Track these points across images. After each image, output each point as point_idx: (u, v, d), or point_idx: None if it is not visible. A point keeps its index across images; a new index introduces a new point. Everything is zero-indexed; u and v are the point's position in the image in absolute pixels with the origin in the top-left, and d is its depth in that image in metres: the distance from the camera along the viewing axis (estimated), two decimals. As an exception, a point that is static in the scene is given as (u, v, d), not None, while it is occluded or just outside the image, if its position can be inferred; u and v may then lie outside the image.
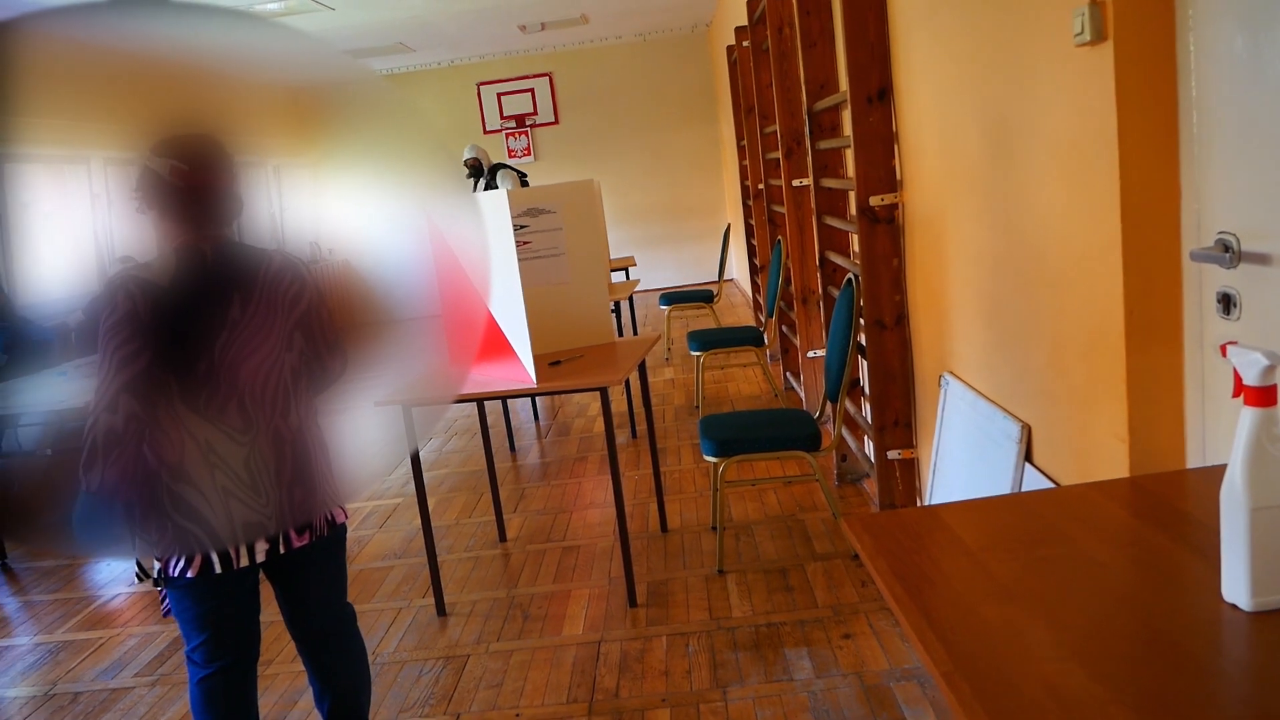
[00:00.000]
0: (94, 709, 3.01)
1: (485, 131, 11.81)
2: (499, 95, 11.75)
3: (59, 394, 4.41)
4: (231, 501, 2.06)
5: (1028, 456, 2.22)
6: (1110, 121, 1.65)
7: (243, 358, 2.06)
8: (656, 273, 11.24)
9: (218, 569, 2.07)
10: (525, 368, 3.14)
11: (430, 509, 3.38)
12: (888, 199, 3.17)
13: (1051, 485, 2.07)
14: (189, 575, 2.06)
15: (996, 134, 2.27)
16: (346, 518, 2.32)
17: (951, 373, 2.81)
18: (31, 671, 3.33)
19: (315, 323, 2.20)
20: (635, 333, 6.87)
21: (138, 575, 2.13)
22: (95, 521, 2.09)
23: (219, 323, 2.03)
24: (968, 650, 1.13)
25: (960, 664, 1.09)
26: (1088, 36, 1.66)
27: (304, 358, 2.19)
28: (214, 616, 2.14)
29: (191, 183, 2.00)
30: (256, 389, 2.08)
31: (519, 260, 3.08)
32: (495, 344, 3.32)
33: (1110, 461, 1.81)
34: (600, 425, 5.70)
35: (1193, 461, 1.73)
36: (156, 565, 2.09)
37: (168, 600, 2.15)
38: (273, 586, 2.29)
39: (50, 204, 7.14)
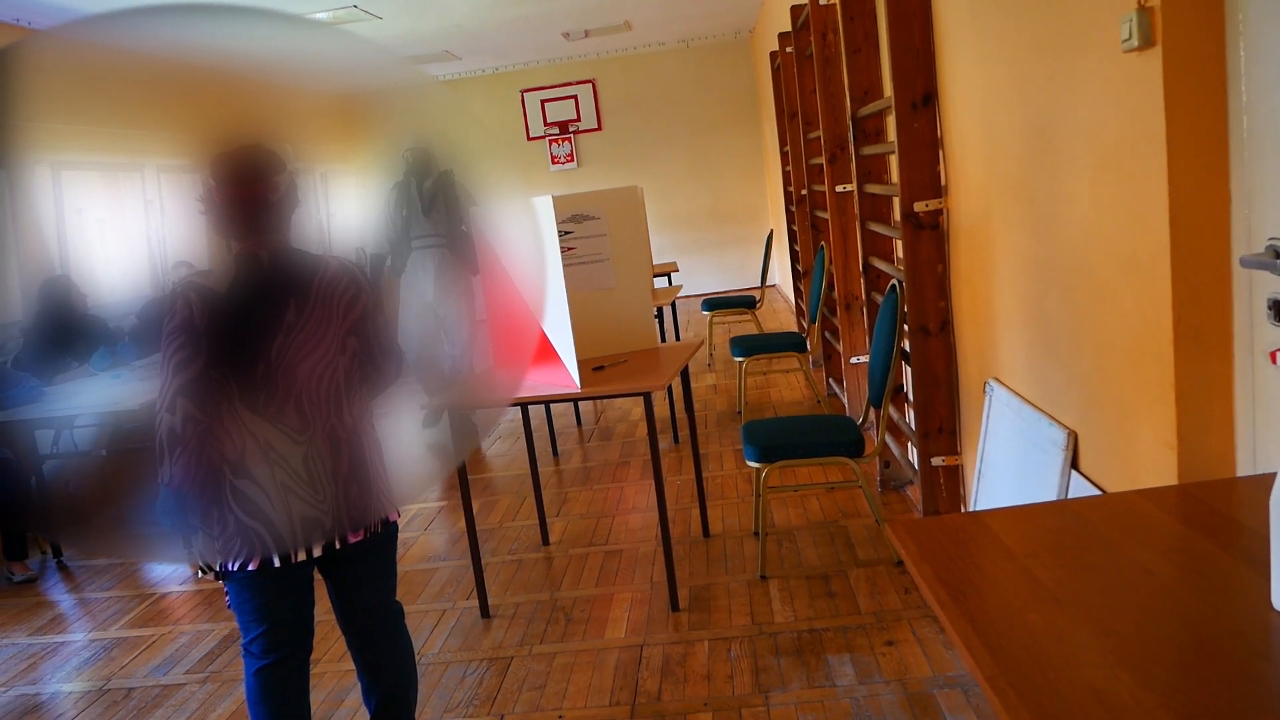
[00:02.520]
0: (146, 705, 3.09)
1: (529, 138, 11.90)
2: (543, 102, 11.83)
3: (114, 395, 4.53)
4: (291, 498, 2.14)
5: (1074, 464, 2.20)
6: (1159, 127, 1.64)
7: (299, 360, 2.13)
8: (699, 278, 11.25)
9: (276, 563, 2.15)
10: (569, 372, 3.17)
11: (474, 512, 3.42)
12: (932, 205, 3.16)
13: (1098, 493, 2.05)
14: (250, 569, 2.14)
15: (1043, 140, 2.26)
16: (399, 516, 2.38)
17: (996, 379, 2.79)
18: (86, 667, 3.42)
19: (370, 327, 2.26)
20: (678, 338, 6.89)
21: (201, 569, 2.21)
22: (174, 512, 2.21)
23: (275, 326, 2.11)
24: (1013, 655, 1.13)
25: (1005, 669, 1.10)
26: (1136, 42, 1.66)
27: (358, 360, 2.25)
28: (272, 609, 2.22)
29: (232, 197, 2.09)
30: (312, 390, 2.15)
31: (564, 266, 3.11)
32: (539, 348, 3.35)
33: (1158, 469, 1.79)
34: (642, 430, 5.72)
35: (1243, 469, 1.71)
36: (218, 560, 2.17)
37: (230, 595, 2.23)
38: (325, 581, 2.36)
39: (105, 210, 7.31)
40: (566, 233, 3.56)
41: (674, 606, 3.25)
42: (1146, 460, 1.86)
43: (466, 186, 5.93)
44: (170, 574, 4.27)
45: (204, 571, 2.21)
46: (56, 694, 3.24)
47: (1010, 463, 2.60)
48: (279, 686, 2.26)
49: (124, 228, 7.45)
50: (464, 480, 3.37)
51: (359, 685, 2.47)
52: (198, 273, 2.10)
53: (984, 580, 1.38)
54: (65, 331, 5.27)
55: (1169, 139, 1.62)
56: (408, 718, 2.45)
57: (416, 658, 3.15)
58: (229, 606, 2.26)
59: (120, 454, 4.62)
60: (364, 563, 2.33)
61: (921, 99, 3.15)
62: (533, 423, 4.30)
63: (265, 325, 2.10)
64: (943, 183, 3.15)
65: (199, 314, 2.02)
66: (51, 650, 3.61)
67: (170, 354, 2.01)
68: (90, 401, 4.55)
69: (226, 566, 2.15)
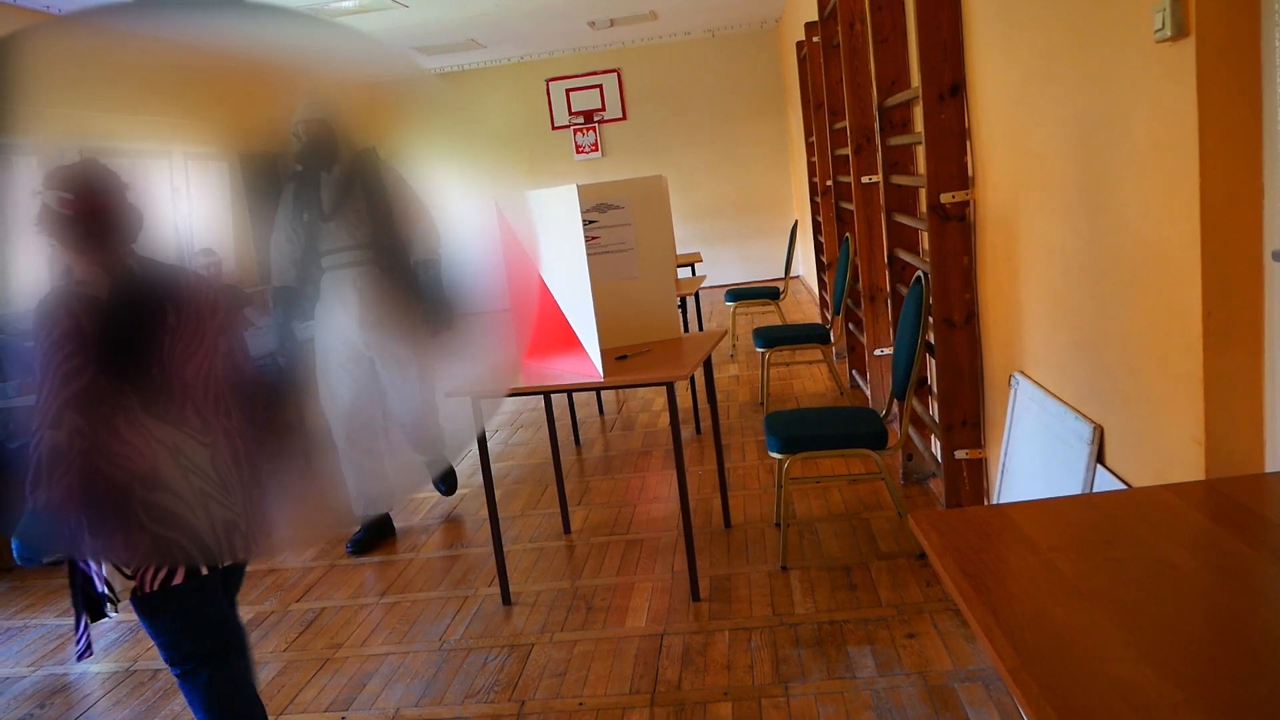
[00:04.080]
0: (171, 686, 3.13)
1: (553, 127, 11.90)
2: (568, 91, 11.83)
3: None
4: (210, 503, 2.12)
5: (1099, 458, 2.19)
6: (1191, 119, 1.62)
7: (186, 361, 2.14)
8: (722, 268, 11.23)
9: (204, 571, 2.13)
10: (592, 362, 3.17)
11: (496, 500, 3.44)
12: (959, 196, 3.14)
13: (1123, 487, 2.04)
14: (174, 583, 2.10)
15: (1072, 131, 2.23)
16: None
17: (1022, 372, 2.77)
18: (113, 649, 3.47)
19: (235, 327, 2.31)
20: (701, 328, 6.88)
21: (109, 599, 2.11)
22: (35, 537, 2.07)
23: (161, 329, 2.10)
24: (1036, 648, 1.13)
25: (1028, 661, 1.10)
26: (1169, 32, 1.64)
27: (230, 361, 2.27)
28: (204, 616, 2.21)
29: (81, 210, 2.06)
30: (201, 392, 2.16)
31: (588, 255, 3.11)
32: (562, 338, 3.36)
33: (1185, 464, 1.78)
34: (663, 420, 5.73)
35: (1271, 465, 1.69)
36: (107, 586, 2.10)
37: (84, 642, 2.15)
38: None
39: (133, 197, 7.38)
40: (591, 222, 3.56)
41: (695, 596, 3.26)
42: (1173, 455, 1.84)
43: (400, 173, 4.09)
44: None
45: (114, 603, 2.12)
46: (84, 674, 3.29)
47: (1035, 457, 2.58)
48: (235, 686, 2.25)
49: (151, 214, 7.53)
50: (486, 468, 3.39)
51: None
52: (72, 282, 2.04)
53: (1007, 573, 1.38)
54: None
55: (1201, 131, 1.60)
56: None
57: (437, 644, 3.18)
58: (148, 628, 2.19)
59: (243, 424, 4.67)
60: (239, 574, 2.38)
61: (949, 89, 3.12)
62: (555, 411, 4.31)
63: (153, 328, 2.09)
64: (970, 174, 3.13)
65: (86, 321, 1.96)
66: (80, 631, 3.66)
67: (56, 365, 1.93)
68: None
69: (142, 587, 2.09)
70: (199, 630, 2.20)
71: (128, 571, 2.10)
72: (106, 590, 2.11)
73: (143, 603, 2.13)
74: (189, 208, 7.62)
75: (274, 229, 4.02)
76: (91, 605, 2.15)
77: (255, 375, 2.39)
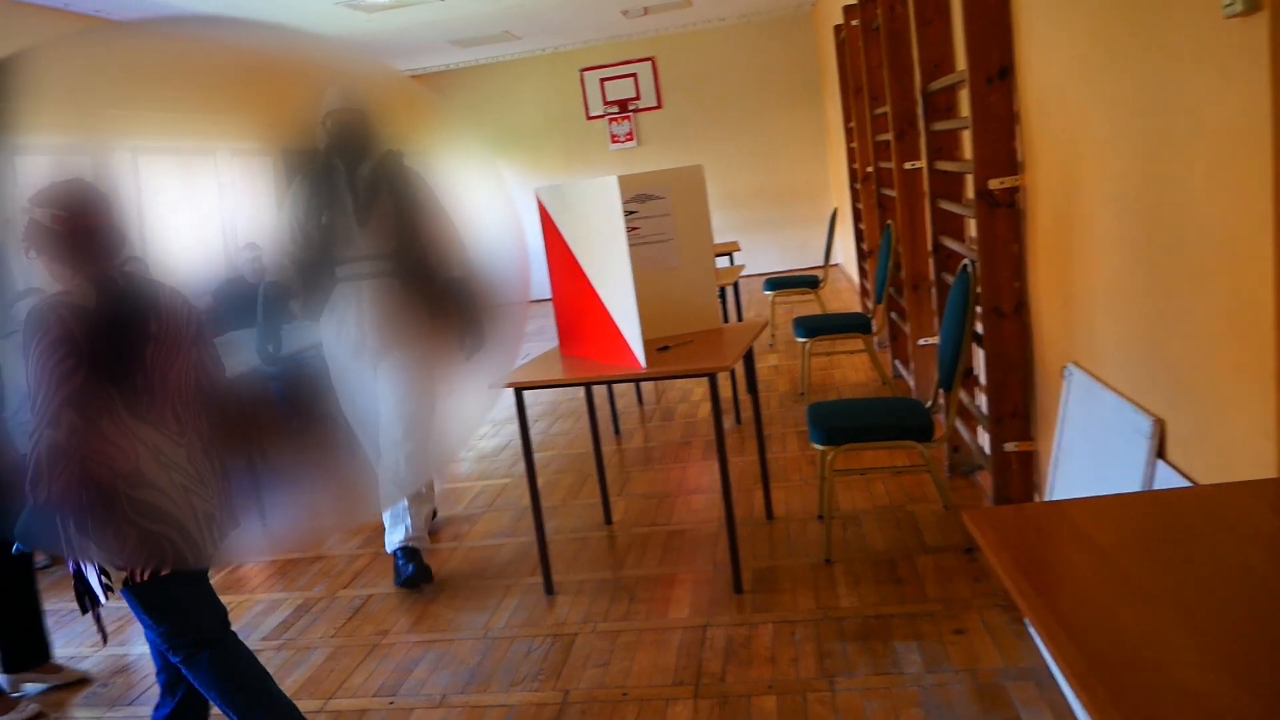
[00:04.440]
0: (221, 673, 3.16)
1: (588, 117, 11.87)
2: (602, 81, 11.78)
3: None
4: (192, 497, 2.27)
5: (1160, 453, 2.13)
6: (1264, 99, 1.55)
7: (168, 368, 2.28)
8: (760, 257, 11.14)
9: (191, 561, 2.25)
10: (634, 352, 3.15)
11: (538, 489, 3.43)
12: (1008, 182, 3.06)
13: (1187, 484, 1.98)
14: (164, 572, 2.23)
15: (1131, 113, 2.17)
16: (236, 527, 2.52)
17: (1076, 363, 2.71)
18: (164, 636, 3.51)
19: (207, 337, 2.46)
20: (740, 318, 6.83)
21: (105, 587, 2.23)
22: (37, 533, 2.22)
23: (145, 337, 2.24)
24: (1101, 652, 1.08)
25: (1094, 666, 1.05)
26: (1239, 7, 1.57)
27: (202, 369, 2.41)
28: (200, 599, 2.37)
29: (73, 227, 2.18)
30: (181, 396, 2.31)
31: (628, 246, 3.08)
32: (602, 328, 3.33)
33: (1254, 460, 1.72)
34: (703, 410, 5.69)
35: (1346, 461, 1.63)
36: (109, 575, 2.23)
37: (146, 606, 2.28)
38: None
39: (180, 193, 7.47)
40: (631, 212, 3.53)
41: (737, 588, 3.23)
42: (1242, 451, 1.78)
43: (426, 179, 3.75)
44: (245, 546, 4.36)
45: (110, 591, 2.23)
46: (143, 655, 3.33)
47: (1090, 450, 2.52)
48: (238, 659, 2.38)
49: (197, 210, 7.61)
50: (529, 457, 3.38)
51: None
52: (59, 292, 2.18)
53: (1068, 573, 1.34)
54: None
55: (1275, 111, 1.53)
56: None
57: (482, 632, 3.19)
58: (143, 618, 2.31)
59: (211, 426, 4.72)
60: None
61: (998, 72, 3.05)
62: (595, 401, 4.30)
63: (137, 336, 2.23)
64: (1019, 159, 3.05)
65: (76, 327, 2.10)
66: (129, 619, 3.71)
67: (52, 366, 2.06)
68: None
69: (134, 578, 2.21)
70: (193, 614, 2.34)
71: (119, 563, 2.21)
72: (103, 579, 2.23)
73: (136, 593, 2.25)
74: (234, 202, 7.68)
75: (279, 224, 3.71)
76: (82, 597, 2.28)
77: (225, 382, 2.54)
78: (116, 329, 2.18)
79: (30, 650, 3.18)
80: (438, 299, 3.71)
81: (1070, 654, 1.08)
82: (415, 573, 3.59)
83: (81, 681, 3.23)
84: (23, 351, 2.09)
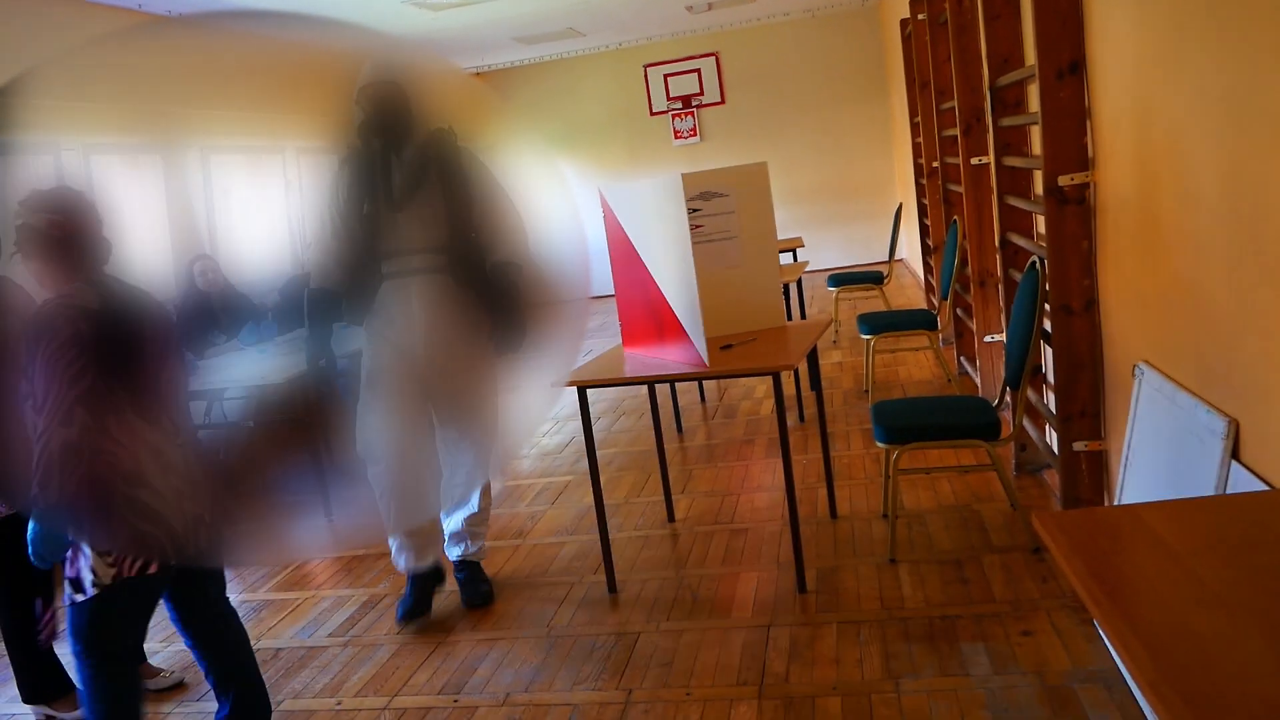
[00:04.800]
0: (293, 664, 3.24)
1: (651, 113, 11.89)
2: (665, 76, 11.79)
3: (260, 369, 4.75)
4: (184, 500, 2.32)
5: (1234, 454, 2.08)
6: (1345, 95, 1.51)
7: (162, 369, 2.35)
8: (824, 252, 11.05)
9: (173, 561, 2.31)
10: (698, 350, 3.16)
11: (601, 487, 3.45)
12: (1078, 178, 3.01)
13: (1264, 487, 1.93)
14: (150, 571, 2.29)
15: (1210, 109, 2.12)
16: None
17: (1147, 362, 2.65)
18: (239, 626, 3.61)
19: (181, 343, 2.57)
20: (803, 314, 6.79)
21: (95, 585, 2.27)
22: (50, 538, 2.26)
23: (144, 339, 2.31)
24: (1176, 660, 1.07)
25: (1167, 674, 1.04)
26: (1320, 3, 1.53)
27: (183, 373, 2.52)
28: (147, 611, 2.43)
29: (68, 231, 2.24)
30: (173, 397, 2.38)
31: (692, 244, 3.10)
32: (665, 326, 3.35)
33: (1335, 463, 1.67)
34: (766, 407, 5.68)
35: None
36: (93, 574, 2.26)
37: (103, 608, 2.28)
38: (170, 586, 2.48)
39: (249, 191, 7.66)
40: (695, 210, 3.54)
41: (801, 588, 3.22)
42: (1321, 453, 1.73)
43: (482, 161, 3.32)
44: (310, 542, 4.47)
45: (95, 588, 2.25)
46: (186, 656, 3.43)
47: (1162, 451, 2.47)
48: (138, 689, 2.49)
49: (266, 208, 7.80)
50: (592, 455, 3.41)
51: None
52: (64, 295, 2.22)
53: (1141, 579, 1.32)
54: (214, 307, 5.55)
55: (1357, 108, 1.49)
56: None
57: (545, 630, 3.22)
58: (81, 614, 2.29)
59: (266, 425, 4.85)
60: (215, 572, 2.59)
61: (1068, 66, 3.00)
62: (658, 399, 4.32)
63: (138, 338, 2.29)
64: (1090, 155, 3.00)
65: (84, 328, 2.15)
66: (207, 609, 3.83)
67: (62, 368, 2.11)
68: (238, 375, 4.78)
69: (119, 574, 2.25)
70: (127, 627, 2.40)
71: (109, 561, 2.26)
72: (93, 575, 2.25)
73: (113, 589, 2.29)
74: (301, 200, 7.83)
75: (319, 220, 3.31)
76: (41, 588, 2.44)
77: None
78: (121, 331, 2.24)
79: (52, 680, 3.10)
80: (485, 287, 3.30)
81: (1144, 661, 1.07)
82: (477, 595, 3.48)
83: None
84: (28, 353, 2.12)
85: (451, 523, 3.53)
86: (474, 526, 3.53)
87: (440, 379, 3.33)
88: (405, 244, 3.22)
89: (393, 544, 3.49)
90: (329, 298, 3.30)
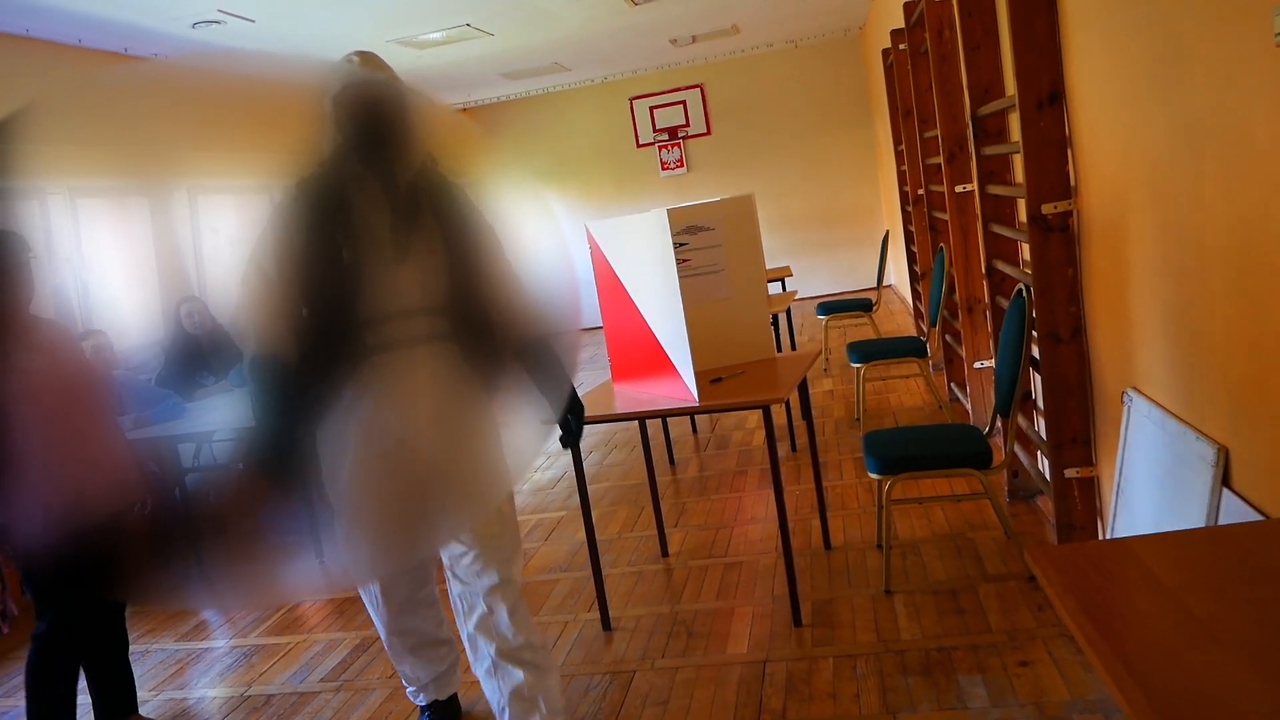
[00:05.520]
0: (285, 711, 3.21)
1: (638, 145, 11.96)
2: (651, 109, 11.87)
3: (249, 411, 4.71)
4: None
5: (1225, 481, 2.08)
6: (1319, 126, 1.53)
7: None
8: (812, 280, 11.09)
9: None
10: (687, 385, 3.16)
11: (593, 523, 3.44)
12: (1061, 206, 3.03)
13: (1256, 515, 1.93)
14: None
15: (1184, 138, 2.14)
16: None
17: (1135, 388, 2.66)
18: (229, 673, 3.58)
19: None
20: (793, 343, 6.80)
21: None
22: None
23: None
24: (1171, 698, 1.07)
25: (1163, 713, 1.04)
26: (1291, 35, 1.55)
27: None
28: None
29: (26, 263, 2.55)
30: None
31: (679, 278, 3.10)
32: (654, 360, 3.35)
33: (1324, 491, 1.67)
34: (758, 438, 5.67)
35: None
36: None
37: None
38: None
39: (237, 230, 7.67)
40: (681, 245, 3.55)
41: (796, 621, 3.20)
42: (1310, 481, 1.73)
43: (472, 199, 2.55)
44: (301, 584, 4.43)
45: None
46: (202, 699, 3.40)
47: (1153, 478, 2.47)
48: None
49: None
50: (583, 491, 3.40)
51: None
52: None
53: (1133, 614, 1.31)
54: (202, 349, 5.53)
55: (1332, 139, 1.51)
56: None
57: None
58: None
59: (255, 466, 4.81)
60: None
61: (1048, 97, 3.03)
62: (649, 431, 4.30)
63: None
64: (1072, 183, 3.02)
65: None
66: (196, 656, 3.79)
67: None
68: (227, 417, 4.76)
69: None
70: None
71: None
72: None
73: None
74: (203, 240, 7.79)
75: (251, 262, 2.35)
76: None
77: None
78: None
79: (123, 703, 3.13)
80: (505, 370, 2.55)
81: (1138, 701, 1.06)
82: None
83: None
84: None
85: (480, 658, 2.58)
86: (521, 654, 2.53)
87: (451, 484, 2.47)
88: (401, 303, 2.35)
89: (404, 675, 2.90)
90: (279, 373, 2.33)
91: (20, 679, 3.70)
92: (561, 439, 2.58)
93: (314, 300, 2.33)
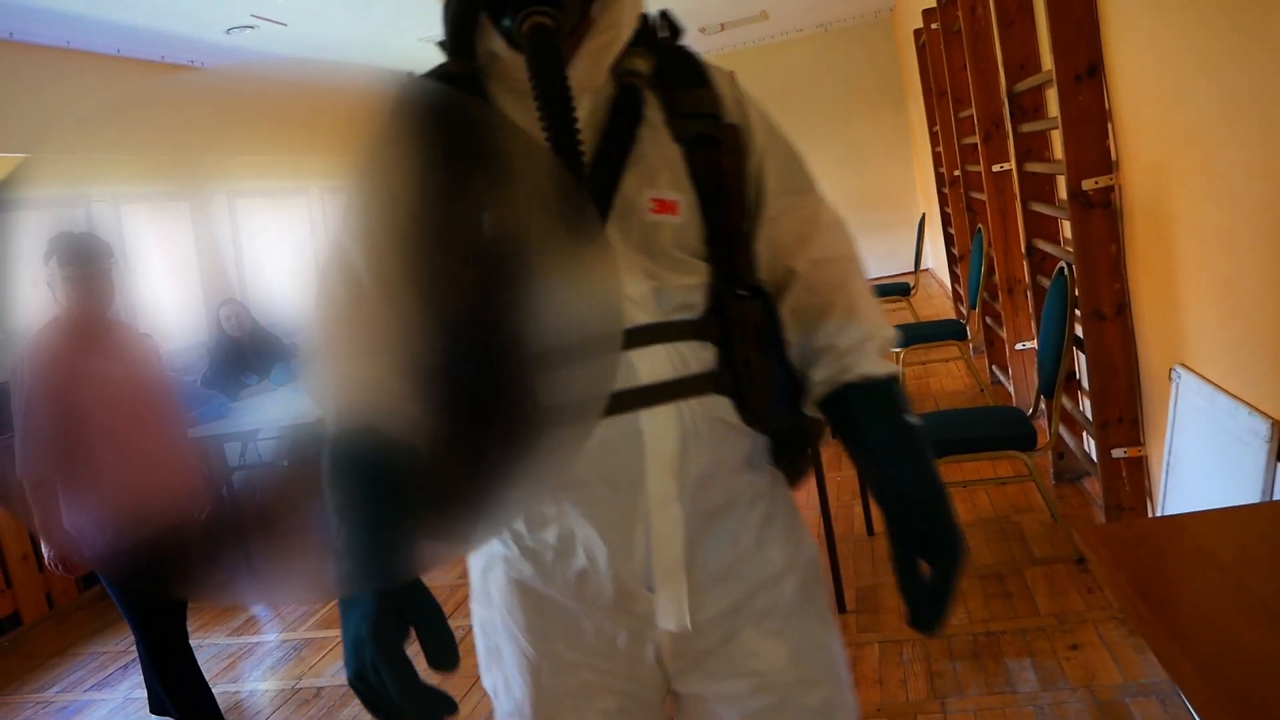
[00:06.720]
0: (334, 704, 3.24)
1: (670, 135, 11.92)
2: (682, 98, 11.83)
3: (293, 409, 4.78)
4: None
5: (1279, 456, 2.03)
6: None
7: None
8: (848, 266, 10.99)
9: None
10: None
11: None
12: (1102, 182, 2.98)
13: (1311, 490, 1.89)
14: None
15: (1230, 108, 2.09)
16: None
17: (1183, 365, 2.61)
18: (280, 667, 3.63)
19: None
20: (829, 330, 6.73)
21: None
22: None
23: None
24: (1230, 681, 1.04)
25: (1222, 695, 1.01)
26: (1341, -4, 1.51)
27: None
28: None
29: (86, 272, 2.64)
30: None
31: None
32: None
33: (1384, 464, 1.63)
34: (798, 425, 5.63)
35: None
36: None
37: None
38: None
39: (275, 232, 7.76)
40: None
41: (840, 608, 3.18)
42: (1369, 454, 1.69)
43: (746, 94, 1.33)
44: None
45: None
46: (254, 692, 3.45)
47: (1204, 455, 2.42)
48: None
49: (292, 248, 7.89)
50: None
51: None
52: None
53: (1188, 592, 1.29)
54: (243, 350, 5.61)
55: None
56: None
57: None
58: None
59: (300, 464, 4.88)
60: None
61: (1086, 70, 2.97)
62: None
63: None
64: (1113, 158, 2.96)
65: None
66: (247, 650, 3.84)
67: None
68: (271, 416, 4.82)
69: None
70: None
71: None
72: None
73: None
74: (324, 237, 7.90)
75: (333, 253, 1.26)
76: None
77: None
78: None
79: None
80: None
81: (1194, 682, 1.04)
82: None
83: None
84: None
85: None
86: None
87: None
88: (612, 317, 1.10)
89: None
90: (388, 473, 1.11)
91: (81, 674, 3.80)
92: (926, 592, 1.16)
93: (435, 317, 1.12)
